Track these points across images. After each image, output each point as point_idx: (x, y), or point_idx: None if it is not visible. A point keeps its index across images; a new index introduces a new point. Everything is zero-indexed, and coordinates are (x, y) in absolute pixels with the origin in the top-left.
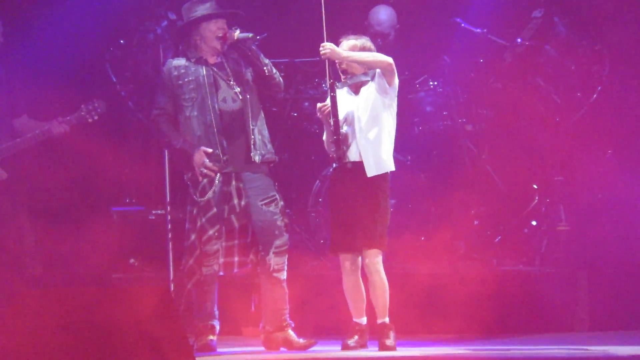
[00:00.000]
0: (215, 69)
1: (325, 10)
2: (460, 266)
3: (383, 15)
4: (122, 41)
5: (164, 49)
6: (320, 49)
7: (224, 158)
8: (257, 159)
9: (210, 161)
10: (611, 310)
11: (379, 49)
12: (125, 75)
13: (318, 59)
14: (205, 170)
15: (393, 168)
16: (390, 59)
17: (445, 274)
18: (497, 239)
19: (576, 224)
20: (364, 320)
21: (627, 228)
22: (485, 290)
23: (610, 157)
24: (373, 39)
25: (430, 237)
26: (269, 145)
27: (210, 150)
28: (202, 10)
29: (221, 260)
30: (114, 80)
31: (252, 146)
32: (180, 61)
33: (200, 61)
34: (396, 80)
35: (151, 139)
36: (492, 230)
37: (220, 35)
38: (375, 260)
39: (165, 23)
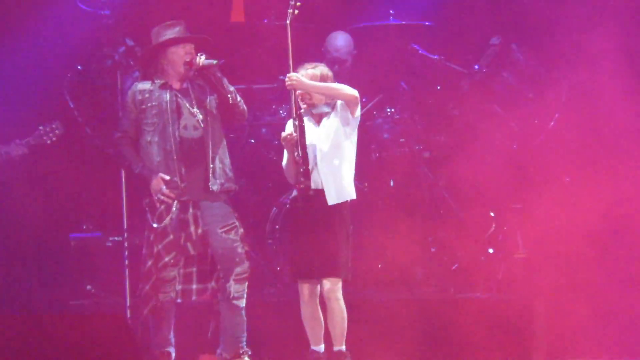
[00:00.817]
0: (179, 95)
1: (290, 39)
2: (417, 293)
3: (341, 41)
4: (79, 67)
5: (122, 74)
6: (287, 79)
7: (182, 185)
8: (215, 188)
9: (168, 188)
10: (568, 338)
11: (336, 75)
12: (82, 101)
13: (275, 85)
14: (162, 197)
15: (354, 196)
16: (355, 92)
17: (402, 301)
18: (454, 267)
19: (533, 252)
20: (321, 347)
21: (584, 255)
22: (443, 317)
23: (567, 184)
24: (330, 65)
25: (388, 263)
26: (230, 174)
27: (167, 177)
28: (170, 34)
29: (179, 287)
30: (72, 106)
31: (210, 175)
32: (146, 85)
33: (165, 86)
34: (359, 111)
35: (109, 165)
36: (449, 258)
37: (187, 60)
38: (335, 288)
39: (123, 49)
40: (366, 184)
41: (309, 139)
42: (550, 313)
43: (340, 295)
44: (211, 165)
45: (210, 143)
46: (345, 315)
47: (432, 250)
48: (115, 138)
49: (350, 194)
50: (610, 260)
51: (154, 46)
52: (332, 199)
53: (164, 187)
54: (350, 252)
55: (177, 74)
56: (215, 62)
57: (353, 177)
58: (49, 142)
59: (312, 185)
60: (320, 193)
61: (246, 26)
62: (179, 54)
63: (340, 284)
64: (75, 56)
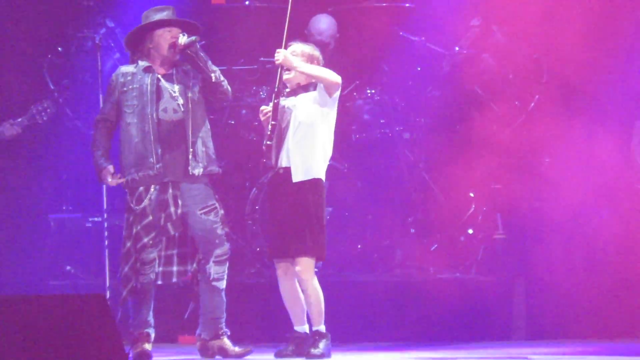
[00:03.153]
0: (161, 79)
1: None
2: (397, 274)
3: (324, 24)
4: (60, 49)
5: (103, 56)
6: (276, 54)
7: (158, 166)
8: (196, 171)
9: (143, 169)
10: (548, 318)
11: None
12: (63, 83)
13: (255, 66)
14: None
15: (321, 176)
16: (339, 79)
17: (381, 282)
18: (433, 247)
19: (513, 233)
20: (304, 328)
21: (563, 236)
22: (422, 298)
23: (546, 165)
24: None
25: (367, 245)
26: (213, 158)
27: (112, 171)
28: (159, 17)
29: (160, 269)
30: (52, 87)
31: (191, 158)
32: (129, 68)
33: (149, 69)
34: (337, 94)
35: (89, 146)
36: (428, 239)
37: (171, 45)
38: (305, 268)
39: (103, 30)
40: (346, 165)
41: (286, 114)
42: (529, 294)
43: (311, 275)
44: (191, 149)
45: (190, 126)
46: (319, 295)
47: (412, 231)
48: (95, 120)
49: (318, 173)
50: (589, 240)
51: (141, 27)
52: (297, 176)
53: (110, 180)
54: (324, 232)
55: (161, 57)
56: (194, 37)
57: (326, 159)
58: (40, 121)
59: (282, 164)
60: (289, 171)
61: (227, 7)
62: (165, 37)
63: (311, 264)
64: (56, 37)
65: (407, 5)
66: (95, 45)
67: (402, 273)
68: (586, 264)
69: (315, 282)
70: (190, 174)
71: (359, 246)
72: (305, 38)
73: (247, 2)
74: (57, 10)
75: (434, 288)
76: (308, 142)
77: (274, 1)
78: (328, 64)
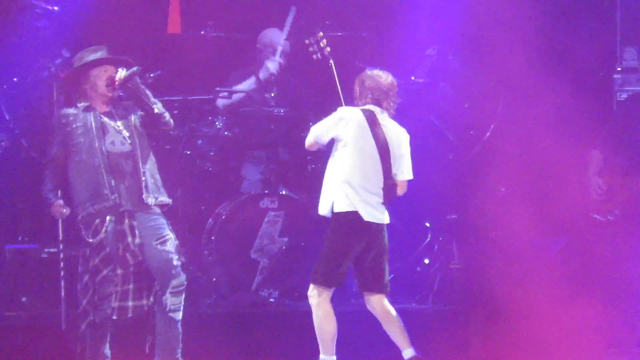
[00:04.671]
0: (103, 116)
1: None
2: (353, 304)
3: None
4: (15, 79)
5: (58, 86)
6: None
7: (113, 197)
8: (150, 201)
9: (99, 201)
10: (505, 347)
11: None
12: (18, 113)
13: (211, 96)
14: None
15: (338, 209)
16: (310, 139)
17: (337, 312)
18: (390, 277)
19: (469, 262)
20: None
21: (520, 265)
22: (378, 327)
23: (503, 195)
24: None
25: None
26: (162, 189)
27: (62, 203)
28: (92, 57)
29: (116, 304)
30: (7, 117)
31: (144, 188)
32: (69, 110)
33: (89, 109)
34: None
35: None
36: None
37: (108, 82)
38: (311, 292)
39: (59, 61)
40: (303, 196)
41: None
42: (486, 323)
43: (315, 301)
44: (143, 179)
45: (140, 156)
46: (318, 322)
47: None
48: (43, 164)
49: (323, 208)
50: (545, 268)
51: (76, 69)
52: (319, 209)
53: (65, 210)
54: (334, 262)
55: (100, 96)
56: (135, 68)
57: (339, 191)
58: None
59: None
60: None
61: (183, 37)
62: (101, 77)
63: (315, 290)
64: (11, 67)
65: (363, 34)
66: (51, 75)
67: (358, 303)
68: (543, 290)
69: (315, 308)
70: (145, 202)
71: None
72: (257, 52)
73: (202, 32)
74: (12, 41)
75: None
76: (325, 178)
77: (229, 31)
78: (280, 91)
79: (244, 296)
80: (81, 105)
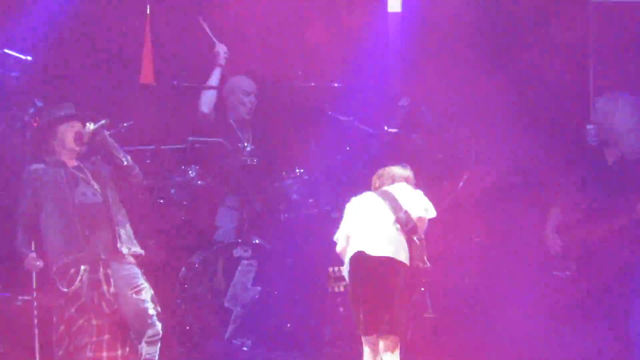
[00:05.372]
0: (73, 170)
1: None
2: (326, 352)
3: (248, 84)
4: None
5: (32, 136)
6: None
7: (87, 247)
8: (124, 250)
9: (73, 251)
10: None
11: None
12: None
13: (184, 146)
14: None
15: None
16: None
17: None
18: None
19: (442, 312)
20: None
21: (493, 315)
22: None
23: (476, 245)
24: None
25: (296, 323)
26: (134, 241)
27: (34, 257)
28: (59, 113)
29: (90, 354)
30: None
31: (117, 238)
32: (38, 165)
33: (58, 164)
34: None
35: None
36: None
37: (76, 137)
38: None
39: (33, 110)
40: (275, 245)
41: None
42: None
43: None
44: (117, 228)
45: (111, 208)
46: None
47: (341, 310)
48: (15, 217)
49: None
50: (520, 319)
51: (43, 125)
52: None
53: (38, 264)
54: (354, 307)
55: (68, 151)
56: (103, 121)
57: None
58: None
59: None
60: None
61: (155, 87)
62: (68, 133)
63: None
64: None
65: (336, 84)
66: (24, 124)
67: (332, 352)
68: (518, 342)
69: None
70: (119, 251)
71: (289, 325)
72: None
73: (174, 82)
74: None
75: None
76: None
77: (200, 81)
78: (255, 140)
79: (217, 345)
80: (50, 159)
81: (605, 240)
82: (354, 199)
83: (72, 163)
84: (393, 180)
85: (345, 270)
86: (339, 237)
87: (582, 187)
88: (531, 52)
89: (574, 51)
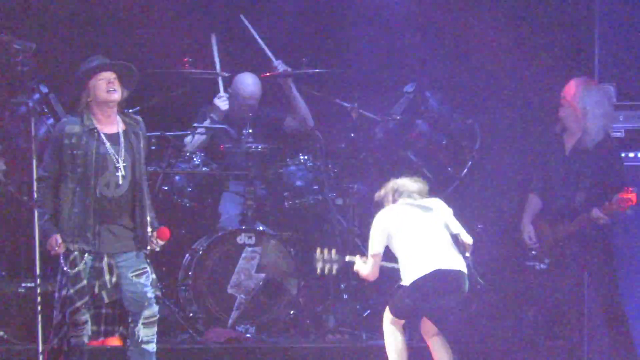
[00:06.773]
0: (106, 142)
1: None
2: (328, 340)
3: (253, 86)
4: None
5: (36, 122)
6: None
7: (95, 242)
8: (138, 246)
9: (80, 241)
10: None
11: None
12: None
13: (189, 132)
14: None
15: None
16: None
17: (314, 348)
18: (366, 313)
19: None
20: None
21: (497, 306)
22: None
23: (480, 232)
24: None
25: (300, 310)
26: (149, 229)
27: (60, 240)
28: (88, 65)
29: (90, 327)
30: None
31: (135, 236)
32: (74, 128)
33: (93, 132)
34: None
35: (22, 211)
36: (361, 304)
37: (111, 89)
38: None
39: (37, 96)
40: (280, 232)
41: None
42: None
43: (385, 328)
44: (137, 220)
45: (132, 201)
46: (390, 347)
47: (344, 297)
48: (39, 175)
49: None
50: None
51: (75, 83)
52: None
53: (57, 248)
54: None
55: (101, 111)
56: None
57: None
58: None
59: None
60: None
61: (161, 73)
62: (100, 87)
63: (387, 314)
64: None
65: (341, 71)
66: (29, 110)
67: (335, 339)
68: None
69: (385, 334)
70: (127, 244)
71: (292, 312)
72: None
73: (180, 69)
74: None
75: (367, 354)
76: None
77: (207, 68)
78: (257, 129)
79: (221, 331)
80: (86, 123)
81: (568, 238)
82: (384, 215)
83: (110, 130)
84: (410, 194)
85: (339, 258)
86: (376, 251)
87: (547, 176)
88: (535, 40)
89: (579, 39)
